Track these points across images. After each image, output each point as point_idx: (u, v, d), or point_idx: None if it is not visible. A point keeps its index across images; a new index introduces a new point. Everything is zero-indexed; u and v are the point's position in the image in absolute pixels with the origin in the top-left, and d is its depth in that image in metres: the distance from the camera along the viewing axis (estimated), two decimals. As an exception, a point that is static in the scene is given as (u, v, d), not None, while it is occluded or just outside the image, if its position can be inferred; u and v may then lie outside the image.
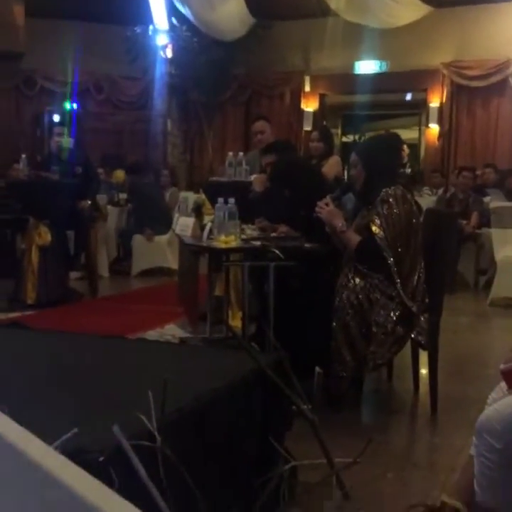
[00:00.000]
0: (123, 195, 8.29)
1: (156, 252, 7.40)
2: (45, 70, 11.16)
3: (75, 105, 10.96)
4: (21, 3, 10.61)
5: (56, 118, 10.26)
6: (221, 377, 2.14)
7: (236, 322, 4.23)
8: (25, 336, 2.99)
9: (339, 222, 3.09)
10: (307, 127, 10.77)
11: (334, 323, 2.95)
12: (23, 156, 5.92)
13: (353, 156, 3.20)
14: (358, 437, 2.48)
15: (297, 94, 11.13)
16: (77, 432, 1.36)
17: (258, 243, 3.47)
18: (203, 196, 6.10)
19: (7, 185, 6.28)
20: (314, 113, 11.10)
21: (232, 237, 3.47)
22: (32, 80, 11.30)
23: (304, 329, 3.04)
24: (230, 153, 4.94)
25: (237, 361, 2.37)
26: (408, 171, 7.88)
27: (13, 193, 6.03)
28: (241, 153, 5.02)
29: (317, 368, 2.95)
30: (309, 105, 11.16)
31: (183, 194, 7.78)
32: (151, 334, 4.54)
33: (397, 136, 5.33)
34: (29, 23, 10.60)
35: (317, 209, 3.14)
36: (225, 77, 10.90)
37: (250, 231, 3.87)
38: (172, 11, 10.19)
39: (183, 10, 9.93)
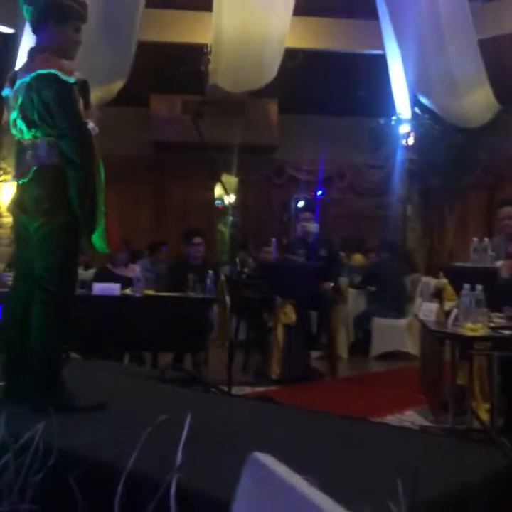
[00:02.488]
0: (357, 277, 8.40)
1: (395, 335, 7.34)
2: (294, 161, 11.93)
3: (319, 192, 11.53)
4: (275, 102, 11.61)
5: (301, 204, 10.84)
6: (470, 472, 2.04)
7: (481, 414, 3.99)
8: (272, 409, 3.14)
9: None
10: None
11: None
12: (273, 239, 6.31)
13: None
14: None
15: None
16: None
17: (507, 332, 3.30)
18: (444, 281, 5.96)
19: (258, 266, 6.72)
20: None
21: (479, 325, 3.35)
22: (282, 170, 12.14)
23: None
24: (475, 239, 4.80)
25: (483, 456, 2.24)
26: None
27: (263, 273, 6.44)
28: (486, 239, 4.86)
29: None
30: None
31: (424, 278, 7.67)
32: (390, 419, 4.46)
33: None
34: (281, 118, 11.53)
35: None
36: (467, 162, 10.72)
37: (498, 319, 3.69)
38: (415, 101, 10.42)
39: (427, 101, 10.10)
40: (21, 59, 9.02)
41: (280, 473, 0.85)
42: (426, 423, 4.31)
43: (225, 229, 12.06)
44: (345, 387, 5.87)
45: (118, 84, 9.41)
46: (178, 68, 10.55)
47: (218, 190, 12.52)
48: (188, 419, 1.90)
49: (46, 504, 1.95)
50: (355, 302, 7.99)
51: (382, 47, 10.35)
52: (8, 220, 10.09)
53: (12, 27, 9.47)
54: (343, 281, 7.44)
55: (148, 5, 9.34)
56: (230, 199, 12.06)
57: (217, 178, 12.23)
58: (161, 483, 1.63)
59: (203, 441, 2.07)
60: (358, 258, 9.03)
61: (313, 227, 6.33)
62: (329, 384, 5.95)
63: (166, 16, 10.42)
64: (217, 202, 12.50)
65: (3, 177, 10.27)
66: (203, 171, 11.98)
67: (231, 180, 11.54)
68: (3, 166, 10.23)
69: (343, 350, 7.30)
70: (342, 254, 8.09)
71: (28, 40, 9.05)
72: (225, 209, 12.14)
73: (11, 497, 1.97)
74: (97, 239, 2.77)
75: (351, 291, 7.94)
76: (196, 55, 10.33)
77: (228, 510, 0.93)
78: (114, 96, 9.07)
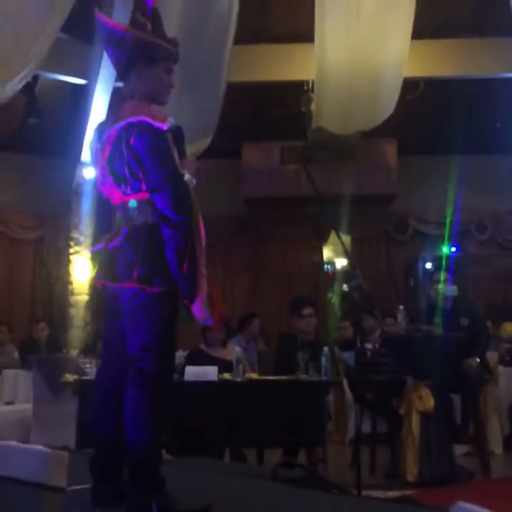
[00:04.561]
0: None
1: None
2: (419, 212, 11.90)
3: (453, 249, 11.39)
4: (393, 142, 11.69)
5: (432, 264, 10.73)
6: None
7: None
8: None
9: None
10: None
11: None
12: (401, 307, 6.26)
13: None
14: None
15: None
16: None
17: None
18: None
19: (383, 340, 6.67)
20: None
21: None
22: (404, 224, 12.11)
23: None
24: None
25: None
26: None
27: (390, 349, 6.37)
28: None
29: None
30: None
31: None
32: None
33: None
34: (401, 161, 11.58)
35: None
36: None
37: None
38: None
39: None
40: (95, 112, 9.66)
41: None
42: None
43: (335, 299, 12.05)
44: (502, 491, 5.63)
45: (204, 142, 9.77)
46: (274, 111, 10.91)
47: (327, 253, 12.62)
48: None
49: None
50: (509, 382, 7.73)
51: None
52: (82, 298, 10.53)
53: (83, 78, 10.16)
54: (492, 356, 7.24)
55: (236, 42, 9.70)
56: (341, 262, 12.14)
57: (324, 238, 12.48)
58: None
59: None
60: (508, 327, 8.79)
61: (451, 289, 6.26)
62: (481, 487, 5.73)
63: (257, 51, 10.79)
64: (325, 267, 12.56)
65: (75, 248, 10.75)
66: (306, 230, 12.21)
67: (342, 239, 11.62)
68: (75, 235, 10.72)
69: (496, 443, 7.05)
70: (488, 323, 7.90)
71: (101, 91, 9.69)
72: (334, 275, 12.17)
73: None
74: (200, 308, 2.86)
75: (503, 370, 7.70)
76: (295, 94, 10.64)
77: None
78: (199, 154, 9.34)
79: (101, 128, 3.09)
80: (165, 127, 2.88)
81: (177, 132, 2.97)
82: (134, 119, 2.90)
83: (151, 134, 2.86)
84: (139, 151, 2.86)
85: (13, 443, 2.13)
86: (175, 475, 2.95)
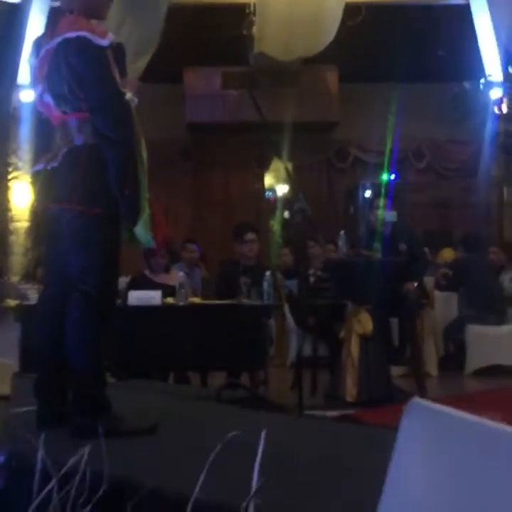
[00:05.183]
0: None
1: (495, 346, 7.24)
2: (360, 140, 11.91)
3: (392, 176, 11.47)
4: (334, 69, 11.59)
5: (372, 191, 10.80)
6: None
7: None
8: (355, 430, 3.15)
9: None
10: None
11: None
12: (342, 232, 6.28)
13: None
14: None
15: None
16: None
17: None
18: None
19: (325, 265, 6.71)
20: None
21: None
22: (345, 152, 12.12)
23: None
24: None
25: None
26: None
27: (331, 274, 6.43)
28: None
29: None
30: None
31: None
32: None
33: None
34: (342, 89, 11.50)
35: None
36: None
37: None
38: (508, 59, 10.25)
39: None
40: (30, 33, 9.28)
41: (446, 410, 1.12)
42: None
43: (276, 226, 12.06)
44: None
45: (143, 60, 9.53)
46: (216, 35, 10.64)
47: (268, 180, 12.58)
48: (262, 438, 1.93)
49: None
50: (444, 307, 7.91)
51: (464, -6, 10.22)
52: (22, 225, 10.31)
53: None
54: (429, 281, 7.38)
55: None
56: (282, 189, 12.13)
57: (266, 165, 12.42)
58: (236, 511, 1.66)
59: (279, 464, 2.10)
60: (446, 253, 8.95)
61: (390, 215, 6.32)
62: (417, 406, 5.89)
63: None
64: (267, 194, 12.54)
65: (14, 174, 10.46)
66: (249, 157, 12.14)
67: (283, 166, 11.57)
68: (14, 161, 10.42)
69: (431, 365, 7.24)
70: (425, 249, 8.04)
71: (38, 11, 9.31)
72: (275, 202, 12.17)
73: (57, 533, 2.03)
74: (142, 230, 2.82)
75: (439, 294, 7.86)
76: (237, 17, 10.39)
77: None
78: (139, 74, 9.13)
79: (38, 42, 2.96)
80: (105, 43, 2.76)
81: (117, 49, 2.86)
82: (72, 34, 2.77)
83: (91, 49, 2.74)
84: (77, 68, 2.75)
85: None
86: (119, 398, 2.94)
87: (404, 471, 1.18)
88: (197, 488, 1.83)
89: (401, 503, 1.16)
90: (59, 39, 2.80)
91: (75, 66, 2.76)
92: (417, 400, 1.17)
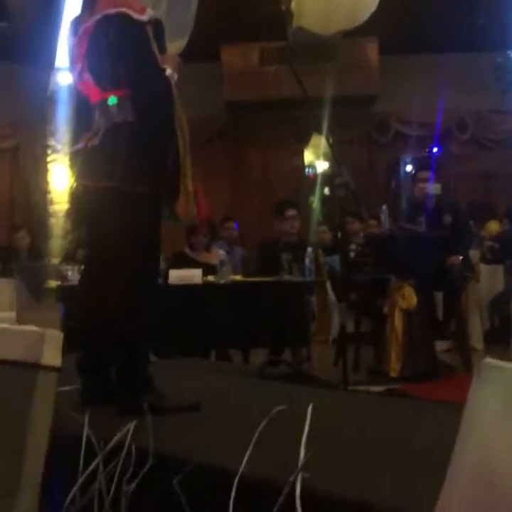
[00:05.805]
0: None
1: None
2: (401, 113, 11.74)
3: (435, 149, 11.31)
4: (374, 41, 11.41)
5: (416, 163, 10.67)
6: None
7: None
8: (401, 403, 3.13)
9: None
10: None
11: None
12: (384, 207, 6.23)
13: None
14: None
15: None
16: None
17: None
18: None
19: (366, 240, 6.66)
20: None
21: None
22: (386, 126, 11.97)
23: None
24: None
25: None
26: None
27: (374, 249, 6.38)
28: None
29: None
30: None
31: None
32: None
33: None
34: (382, 61, 11.34)
35: None
36: None
37: None
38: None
39: None
40: (68, 15, 9.29)
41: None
42: None
43: (316, 203, 11.99)
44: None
45: (179, 44, 9.48)
46: (252, 11, 10.56)
47: (308, 156, 12.49)
48: (309, 412, 1.92)
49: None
50: (489, 280, 7.82)
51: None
52: (61, 207, 10.39)
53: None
54: (474, 254, 7.29)
55: None
56: (322, 166, 12.04)
57: (306, 141, 12.33)
58: (283, 486, 1.66)
59: (326, 438, 2.09)
60: (491, 226, 8.83)
61: (435, 188, 6.22)
62: (462, 382, 5.83)
63: None
64: (307, 170, 12.46)
65: (53, 156, 10.55)
66: (287, 134, 12.06)
67: (324, 140, 11.46)
68: (52, 143, 10.50)
69: (477, 339, 7.18)
70: (470, 222, 7.93)
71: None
72: (315, 178, 12.09)
73: (104, 509, 2.04)
74: (184, 207, 2.80)
75: (484, 267, 7.77)
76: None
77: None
78: (179, 52, 9.12)
79: (77, 21, 2.94)
80: (144, 18, 2.74)
81: (157, 25, 2.84)
82: (111, 10, 2.76)
83: (130, 25, 2.73)
84: (117, 43, 2.74)
85: (4, 325, 2.08)
86: (162, 375, 2.95)
87: (477, 435, 1.15)
88: (243, 463, 1.83)
89: (474, 466, 1.15)
90: (98, 16, 2.79)
91: (114, 42, 2.75)
92: (489, 360, 1.16)
